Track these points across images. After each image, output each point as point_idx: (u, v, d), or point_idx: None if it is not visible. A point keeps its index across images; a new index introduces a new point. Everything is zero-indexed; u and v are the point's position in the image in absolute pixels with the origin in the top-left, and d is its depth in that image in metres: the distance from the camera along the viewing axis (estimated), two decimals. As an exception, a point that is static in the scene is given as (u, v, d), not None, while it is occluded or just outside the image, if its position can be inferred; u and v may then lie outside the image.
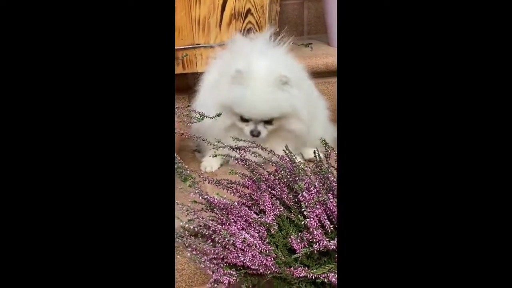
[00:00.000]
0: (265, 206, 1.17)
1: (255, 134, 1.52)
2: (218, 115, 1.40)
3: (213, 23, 1.73)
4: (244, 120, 1.53)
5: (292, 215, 1.17)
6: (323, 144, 1.23)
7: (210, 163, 1.65)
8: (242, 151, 1.20)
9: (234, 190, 1.21)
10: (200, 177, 1.17)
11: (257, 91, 1.47)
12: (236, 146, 1.21)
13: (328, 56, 2.02)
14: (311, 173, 1.20)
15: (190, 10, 1.71)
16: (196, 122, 1.41)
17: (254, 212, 1.18)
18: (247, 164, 1.20)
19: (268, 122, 1.54)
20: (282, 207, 1.17)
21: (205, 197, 1.13)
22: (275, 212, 1.16)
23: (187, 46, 1.75)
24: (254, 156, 1.21)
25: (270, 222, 1.14)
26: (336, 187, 1.16)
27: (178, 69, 1.77)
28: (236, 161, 1.21)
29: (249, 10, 1.76)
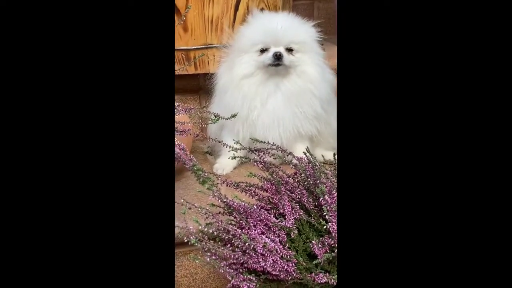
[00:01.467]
0: (284, 210, 1.14)
1: (278, 54, 1.51)
2: (234, 115, 1.37)
3: (226, 23, 1.70)
4: (263, 51, 1.54)
5: (312, 219, 1.14)
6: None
7: (222, 166, 1.62)
8: (261, 153, 1.17)
9: (253, 193, 1.18)
10: (218, 179, 1.14)
11: (280, 17, 1.59)
12: (256, 148, 1.18)
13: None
14: (332, 176, 1.17)
15: (203, 10, 1.68)
16: (211, 123, 1.38)
17: (274, 216, 1.15)
18: (266, 166, 1.17)
19: (289, 50, 1.54)
20: (302, 211, 1.14)
21: (224, 200, 1.10)
22: (295, 216, 1.13)
23: (199, 46, 1.72)
24: (274, 158, 1.18)
25: (290, 226, 1.12)
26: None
27: (190, 69, 1.74)
28: (255, 163, 1.18)
29: (262, 10, 1.74)
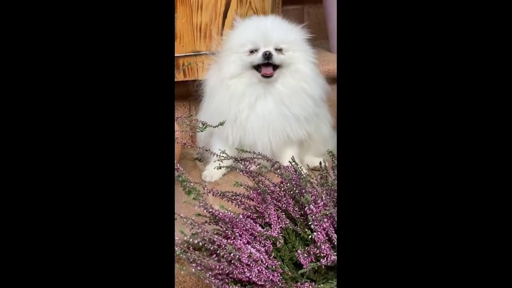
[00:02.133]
0: (270, 219, 1.14)
1: (267, 53, 1.51)
2: (221, 123, 1.38)
3: (215, 30, 1.70)
4: (253, 52, 1.54)
5: (298, 228, 1.14)
6: (330, 156, 1.21)
7: (211, 173, 1.62)
8: (247, 163, 1.18)
9: (239, 202, 1.18)
10: (204, 189, 1.14)
11: (270, 19, 1.60)
12: (241, 158, 1.18)
13: (329, 63, 2.00)
14: (317, 185, 1.18)
15: (191, 17, 1.68)
16: (199, 131, 1.38)
17: (260, 225, 1.15)
18: (252, 175, 1.17)
19: (278, 50, 1.55)
20: (288, 220, 1.15)
21: (210, 210, 1.10)
22: (281, 225, 1.14)
23: (188, 53, 1.72)
24: (259, 167, 1.18)
25: (276, 235, 1.12)
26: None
27: (179, 77, 1.74)
28: (241, 172, 1.18)
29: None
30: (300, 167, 1.20)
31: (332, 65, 1.98)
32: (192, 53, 1.74)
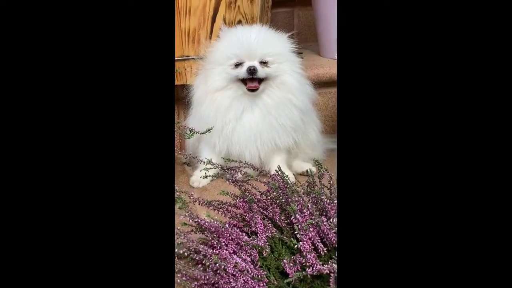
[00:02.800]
0: (257, 228, 1.14)
1: (251, 68, 1.50)
2: (209, 130, 1.37)
3: (203, 35, 1.70)
4: (238, 65, 1.53)
5: (285, 237, 1.14)
6: (316, 165, 1.21)
7: (198, 179, 1.61)
8: (234, 172, 1.18)
9: (225, 211, 1.18)
10: (190, 198, 1.14)
11: (255, 30, 1.58)
12: (228, 167, 1.18)
13: (318, 67, 2.00)
14: (303, 194, 1.18)
15: (179, 22, 1.68)
16: (187, 138, 1.38)
17: (246, 233, 1.15)
18: (239, 185, 1.17)
19: (264, 63, 1.54)
20: (274, 229, 1.15)
21: (196, 220, 1.10)
22: (267, 234, 1.14)
23: (176, 58, 1.72)
24: (245, 176, 1.18)
25: (262, 245, 1.12)
26: (329, 209, 1.14)
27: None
28: (227, 181, 1.18)
29: (239, 22, 1.74)
30: (287, 176, 1.20)
31: (321, 69, 1.98)
32: (180, 58, 1.73)
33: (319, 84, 1.98)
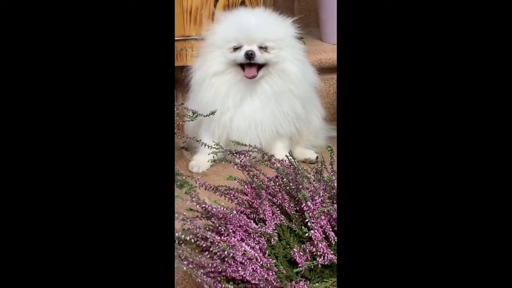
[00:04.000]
0: (265, 215, 1.10)
1: (249, 53, 1.43)
2: (212, 113, 1.32)
3: (205, 14, 1.63)
4: (236, 49, 1.46)
5: (294, 225, 1.10)
6: (329, 151, 1.16)
7: (198, 163, 1.56)
8: (242, 156, 1.13)
9: (232, 197, 1.13)
10: (196, 183, 1.09)
11: (255, 14, 1.50)
12: (236, 151, 1.13)
13: (321, 52, 1.95)
14: (314, 181, 1.14)
15: (181, 0, 1.61)
16: (189, 120, 1.33)
17: (253, 220, 1.11)
18: (247, 170, 1.12)
19: (263, 48, 1.46)
20: (283, 216, 1.10)
21: (203, 205, 1.05)
22: (275, 221, 1.09)
23: (177, 38, 1.65)
24: (254, 160, 1.13)
25: (271, 232, 1.08)
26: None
27: (167, 62, 1.67)
28: (235, 166, 1.13)
29: (243, 2, 1.68)
30: (297, 162, 1.15)
31: (324, 55, 1.93)
32: (181, 38, 1.66)
33: (321, 70, 1.93)
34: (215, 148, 1.13)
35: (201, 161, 1.56)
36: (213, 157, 1.13)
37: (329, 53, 1.95)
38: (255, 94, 1.50)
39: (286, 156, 1.16)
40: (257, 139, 1.52)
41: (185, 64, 1.68)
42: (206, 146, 1.22)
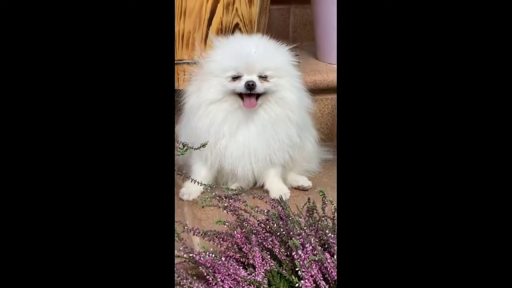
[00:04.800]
0: (255, 261, 1.07)
1: (250, 84, 1.40)
2: (203, 145, 1.29)
3: (198, 38, 1.60)
4: (236, 78, 1.43)
5: (284, 270, 1.08)
6: (321, 195, 1.13)
7: (189, 191, 1.53)
8: (232, 200, 1.10)
9: (221, 241, 1.11)
10: (184, 228, 1.06)
11: (254, 41, 1.47)
12: (226, 195, 1.10)
13: (316, 73, 1.92)
14: (305, 226, 1.11)
15: (174, 24, 1.57)
16: (180, 154, 1.30)
17: (243, 265, 1.08)
18: (237, 214, 1.10)
19: (263, 77, 1.44)
20: (273, 262, 1.08)
21: (191, 255, 1.02)
22: (265, 268, 1.07)
23: (169, 62, 1.61)
24: (244, 205, 1.11)
25: (261, 280, 1.05)
26: (333, 243, 1.08)
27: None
28: (225, 211, 1.10)
29: (237, 25, 1.64)
30: (288, 206, 1.12)
31: (319, 76, 1.90)
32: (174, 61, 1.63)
33: (316, 91, 1.90)
34: (205, 185, 1.11)
35: (191, 188, 1.54)
36: (205, 199, 1.11)
37: (324, 74, 1.92)
38: (252, 122, 1.47)
39: (277, 200, 1.13)
40: (250, 167, 1.50)
41: (177, 88, 1.65)
42: (196, 182, 1.21)
